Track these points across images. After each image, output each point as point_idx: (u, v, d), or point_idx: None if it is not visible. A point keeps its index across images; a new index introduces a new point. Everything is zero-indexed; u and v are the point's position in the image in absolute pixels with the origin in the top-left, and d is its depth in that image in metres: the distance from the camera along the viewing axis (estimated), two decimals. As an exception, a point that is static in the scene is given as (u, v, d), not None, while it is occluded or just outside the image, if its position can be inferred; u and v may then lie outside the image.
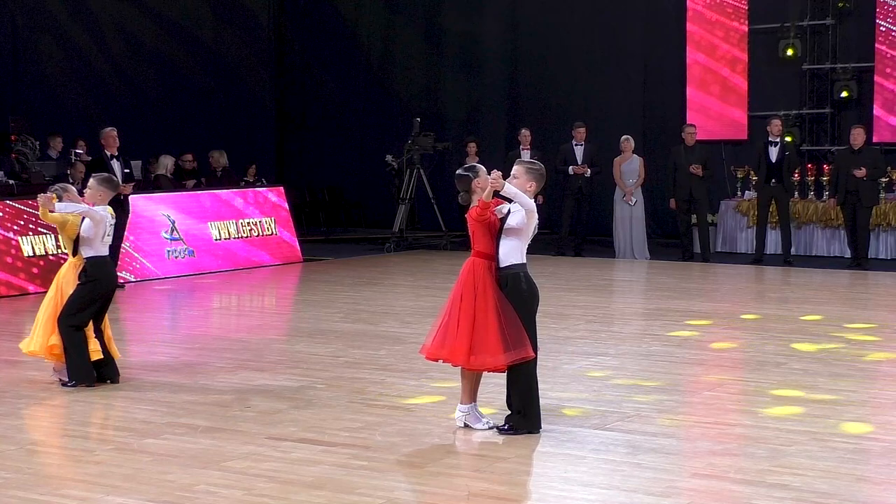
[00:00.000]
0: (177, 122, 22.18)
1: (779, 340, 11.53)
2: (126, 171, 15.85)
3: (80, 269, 9.55)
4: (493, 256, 7.90)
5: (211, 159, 20.18)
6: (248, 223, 18.59)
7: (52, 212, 9.55)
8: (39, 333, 9.57)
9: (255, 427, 8.10)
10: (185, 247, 17.48)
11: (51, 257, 15.46)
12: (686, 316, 13.15)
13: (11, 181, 17.59)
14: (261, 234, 18.73)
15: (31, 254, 15.37)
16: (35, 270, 15.31)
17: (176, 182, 19.27)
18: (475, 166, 8.05)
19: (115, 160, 15.70)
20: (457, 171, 8.01)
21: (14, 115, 19.63)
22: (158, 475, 6.94)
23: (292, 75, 25.47)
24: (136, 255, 16.63)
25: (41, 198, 9.58)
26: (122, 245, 16.04)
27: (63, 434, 7.97)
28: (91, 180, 9.83)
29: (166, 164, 19.49)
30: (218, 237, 18.04)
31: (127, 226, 16.01)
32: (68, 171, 18.22)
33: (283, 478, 6.87)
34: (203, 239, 17.81)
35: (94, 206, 9.60)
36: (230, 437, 7.83)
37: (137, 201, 16.53)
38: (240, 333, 12.39)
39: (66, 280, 9.65)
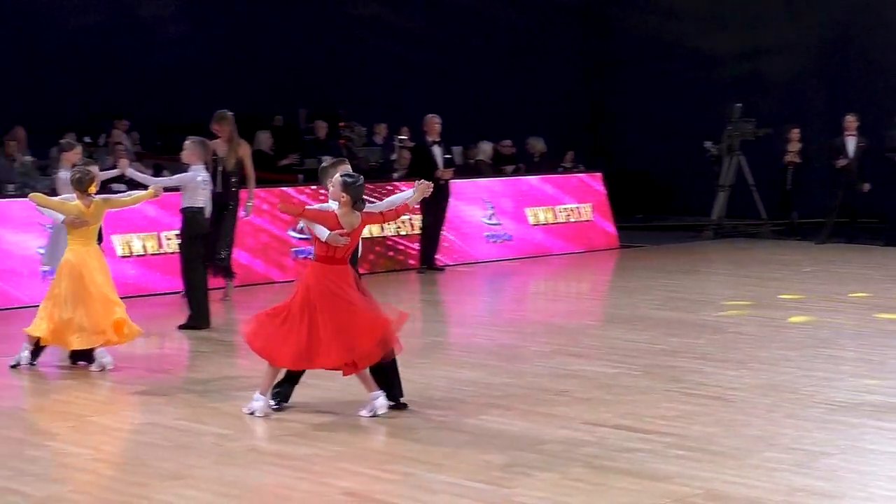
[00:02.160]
0: (495, 108, 22.49)
1: None
2: (447, 156, 16.18)
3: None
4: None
5: (528, 146, 20.38)
6: (565, 209, 18.67)
7: None
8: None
9: (570, 412, 8.14)
10: (504, 232, 17.74)
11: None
12: None
13: (339, 166, 18.25)
14: (577, 219, 18.79)
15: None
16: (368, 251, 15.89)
17: (495, 167, 19.56)
18: (327, 170, 8.09)
19: (436, 146, 16.06)
20: (352, 182, 7.85)
21: (343, 104, 20.38)
22: (475, 455, 7.07)
23: (606, 60, 25.38)
24: (454, 239, 16.98)
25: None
26: (442, 229, 16.38)
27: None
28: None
29: (485, 149, 19.80)
30: (535, 222, 18.21)
31: (447, 210, 16.33)
32: (393, 157, 18.79)
33: (598, 463, 6.88)
34: (520, 224, 18.02)
35: None
36: (546, 420, 7.90)
37: (457, 186, 16.85)
38: (556, 318, 12.48)
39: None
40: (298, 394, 8.29)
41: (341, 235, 7.78)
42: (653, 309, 12.75)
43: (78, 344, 9.44)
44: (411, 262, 16.29)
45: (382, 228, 16.08)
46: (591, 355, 10.20)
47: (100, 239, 10.01)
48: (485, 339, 11.06)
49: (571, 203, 18.77)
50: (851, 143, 18.99)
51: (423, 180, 8.14)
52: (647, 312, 12.50)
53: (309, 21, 21.01)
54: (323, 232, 7.81)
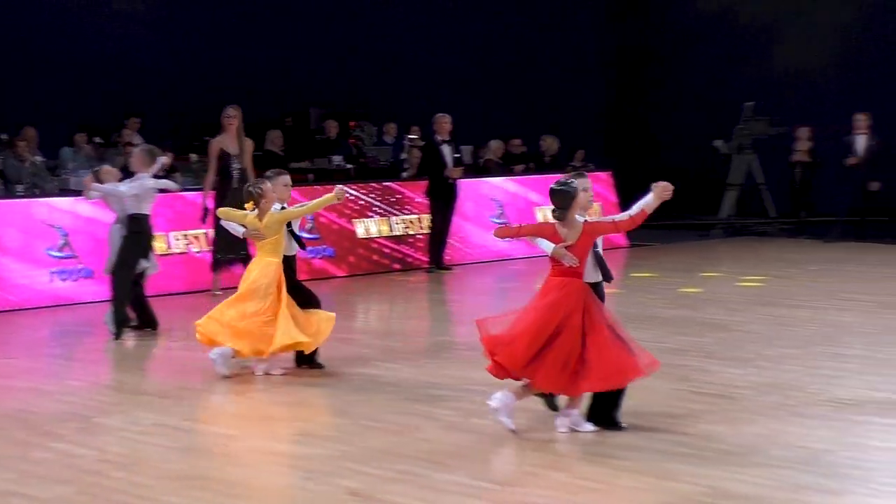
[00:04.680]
0: (507, 107, 22.50)
1: None
2: (456, 155, 16.19)
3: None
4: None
5: (543, 144, 20.37)
6: (573, 208, 18.62)
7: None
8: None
9: (577, 412, 8.12)
10: (513, 231, 17.72)
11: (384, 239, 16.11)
12: None
13: (349, 165, 18.30)
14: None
15: (364, 235, 16.00)
16: (376, 251, 15.96)
17: (505, 167, 19.56)
18: (572, 182, 7.55)
19: (445, 145, 16.08)
20: (554, 188, 7.50)
21: (353, 103, 20.41)
22: (485, 454, 7.09)
23: (624, 59, 25.38)
24: (462, 238, 16.99)
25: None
26: (450, 229, 16.39)
27: (394, 411, 8.22)
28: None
29: (495, 148, 19.80)
30: (544, 221, 18.17)
31: (455, 209, 16.34)
32: (403, 156, 18.81)
33: (606, 462, 6.89)
34: (531, 223, 18.00)
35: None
36: (547, 417, 7.85)
37: (467, 185, 16.86)
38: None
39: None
40: (306, 394, 8.30)
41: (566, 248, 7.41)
42: (659, 308, 12.76)
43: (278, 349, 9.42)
44: (395, 266, 16.24)
45: (391, 229, 16.15)
46: (599, 354, 10.18)
47: (301, 245, 9.91)
48: (492, 339, 11.04)
49: (581, 202, 18.73)
50: (862, 142, 18.97)
51: (660, 182, 7.55)
52: (654, 311, 12.50)
53: (319, 21, 21.03)
54: (548, 246, 7.49)
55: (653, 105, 24.65)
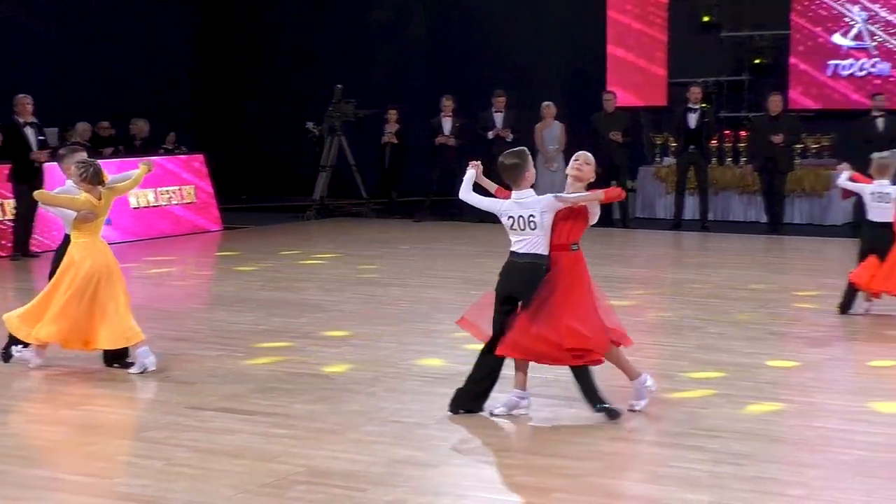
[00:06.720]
0: (94, 88, 21.85)
1: (696, 305, 11.67)
2: (41, 138, 15.66)
3: None
4: None
5: (133, 127, 19.93)
6: (167, 191, 18.40)
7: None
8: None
9: (175, 397, 8.06)
10: (103, 215, 17.27)
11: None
12: (605, 281, 13.21)
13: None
14: (180, 201, 18.57)
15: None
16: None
17: (93, 150, 19.00)
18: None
19: (28, 127, 15.50)
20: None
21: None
22: (78, 446, 6.88)
23: (213, 40, 25.19)
24: (51, 224, 16.41)
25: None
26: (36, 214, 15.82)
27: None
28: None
29: (83, 131, 19.22)
30: (136, 205, 17.85)
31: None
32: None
33: (202, 447, 6.84)
34: (121, 207, 17.60)
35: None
36: (150, 407, 7.79)
37: (53, 169, 16.27)
38: (159, 302, 12.28)
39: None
40: None
41: None
42: (256, 290, 12.79)
43: (107, 344, 8.81)
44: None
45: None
46: (196, 339, 10.12)
47: None
48: (84, 327, 10.73)
49: (173, 185, 18.52)
50: (448, 124, 19.73)
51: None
52: (250, 294, 12.52)
53: None
54: None
55: (244, 86, 24.62)
